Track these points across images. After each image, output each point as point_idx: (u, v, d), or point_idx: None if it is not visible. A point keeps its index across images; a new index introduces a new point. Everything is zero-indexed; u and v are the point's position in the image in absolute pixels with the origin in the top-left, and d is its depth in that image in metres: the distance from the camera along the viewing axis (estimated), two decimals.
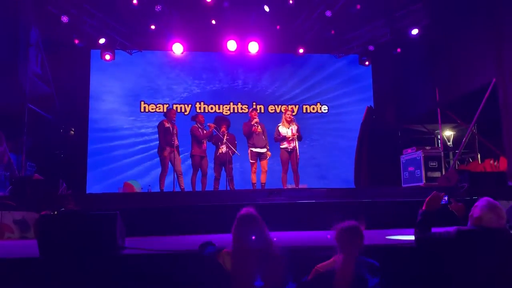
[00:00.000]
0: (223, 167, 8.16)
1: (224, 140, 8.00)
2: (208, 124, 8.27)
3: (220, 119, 8.55)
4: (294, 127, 7.85)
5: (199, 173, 8.24)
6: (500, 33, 7.78)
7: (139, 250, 3.35)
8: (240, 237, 2.61)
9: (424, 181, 8.17)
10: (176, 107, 10.94)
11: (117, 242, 3.26)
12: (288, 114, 7.92)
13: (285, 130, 7.84)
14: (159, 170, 8.29)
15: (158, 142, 8.31)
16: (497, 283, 2.58)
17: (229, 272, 2.58)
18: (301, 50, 11.23)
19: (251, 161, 8.13)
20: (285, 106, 10.64)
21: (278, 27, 10.65)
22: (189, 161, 8.44)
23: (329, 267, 2.62)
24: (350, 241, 2.62)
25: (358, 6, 9.74)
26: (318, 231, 4.56)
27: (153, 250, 3.32)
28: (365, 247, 3.33)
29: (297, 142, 7.79)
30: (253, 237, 2.61)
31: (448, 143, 12.01)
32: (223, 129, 8.18)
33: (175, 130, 8.07)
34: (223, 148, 8.06)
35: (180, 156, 8.40)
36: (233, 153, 8.26)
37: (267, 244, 2.68)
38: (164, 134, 8.06)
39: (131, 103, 11.06)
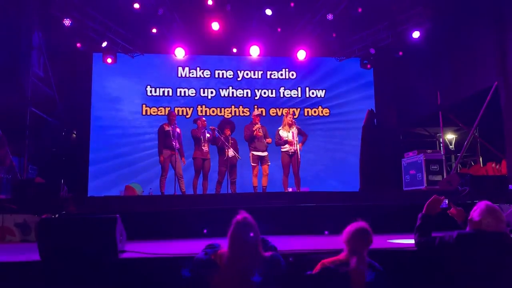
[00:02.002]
0: (227, 171, 8.14)
1: (228, 144, 7.98)
2: (210, 127, 8.27)
3: (224, 122, 8.54)
4: (295, 130, 7.84)
5: (201, 176, 8.23)
6: (502, 36, 7.78)
7: (139, 254, 3.35)
8: (236, 239, 2.63)
9: (425, 185, 8.16)
10: (178, 110, 10.96)
11: (117, 245, 3.26)
12: (289, 118, 7.91)
13: (285, 133, 7.83)
14: (160, 173, 8.28)
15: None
16: (497, 287, 2.57)
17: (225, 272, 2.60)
18: (302, 53, 11.25)
19: (252, 164, 8.10)
20: (286, 109, 10.65)
21: (279, 30, 10.67)
22: (191, 164, 8.44)
23: (336, 262, 2.62)
24: (362, 241, 2.64)
25: (360, 10, 9.75)
26: (319, 235, 4.56)
27: (153, 253, 3.33)
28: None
29: (298, 145, 7.77)
30: (251, 234, 2.65)
31: (450, 147, 12.00)
32: (228, 132, 8.15)
33: (176, 133, 8.07)
34: (230, 152, 8.02)
35: (185, 159, 8.40)
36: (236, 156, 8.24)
37: (260, 248, 2.70)
38: (164, 137, 8.07)
39: (133, 106, 11.08)
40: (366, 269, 2.56)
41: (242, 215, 2.73)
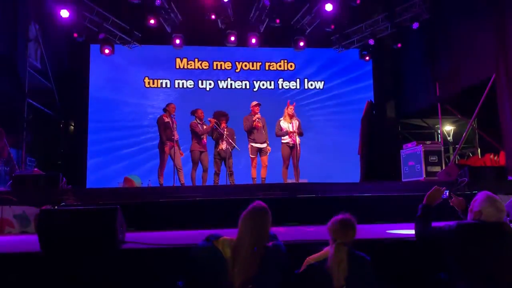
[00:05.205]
0: (223, 162, 8.15)
1: (225, 136, 7.98)
2: (208, 119, 8.24)
3: (219, 114, 8.50)
4: (295, 122, 7.82)
5: (199, 167, 8.22)
6: (501, 27, 7.75)
7: (139, 245, 3.35)
8: (250, 229, 2.62)
9: (424, 176, 8.16)
10: (175, 102, 10.91)
11: (117, 236, 3.26)
12: (291, 109, 7.88)
13: (286, 124, 7.80)
14: (158, 164, 8.26)
15: (158, 136, 8.24)
16: (497, 277, 2.58)
17: (227, 259, 2.59)
18: (301, 44, 11.22)
19: (251, 156, 8.10)
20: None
21: (278, 21, 10.62)
22: (188, 156, 8.42)
23: (320, 258, 2.61)
24: (343, 232, 2.61)
25: (358, 1, 9.71)
26: (318, 225, 4.57)
27: (153, 244, 3.33)
28: (365, 241, 3.35)
29: (297, 137, 7.75)
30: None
31: (448, 138, 12.03)
32: (223, 124, 8.15)
33: (174, 124, 8.05)
34: (224, 145, 8.03)
35: (181, 150, 8.39)
36: (233, 147, 8.24)
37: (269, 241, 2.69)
38: (164, 129, 8.04)
39: (131, 97, 11.05)
40: (344, 261, 2.53)
41: (258, 202, 2.74)
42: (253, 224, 2.62)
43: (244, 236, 2.61)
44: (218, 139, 8.19)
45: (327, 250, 2.63)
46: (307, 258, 2.66)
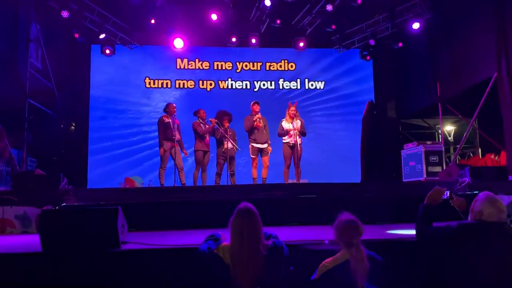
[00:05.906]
0: (226, 162, 8.14)
1: (227, 136, 7.97)
2: (209, 119, 8.24)
3: (222, 113, 8.50)
4: (297, 122, 7.83)
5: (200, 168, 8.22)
6: (502, 26, 7.74)
7: (140, 245, 3.36)
8: (238, 231, 2.63)
9: (425, 176, 8.17)
10: (176, 102, 10.92)
11: (118, 236, 3.27)
12: (292, 109, 7.89)
13: (288, 125, 7.82)
14: (159, 164, 8.27)
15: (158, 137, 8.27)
16: (498, 277, 2.58)
17: (229, 265, 2.60)
18: (301, 45, 11.22)
19: (252, 156, 8.10)
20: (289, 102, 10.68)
21: (278, 21, 10.63)
22: (189, 156, 8.42)
23: (337, 262, 2.60)
24: (355, 231, 2.62)
25: (359, 1, 9.70)
26: (319, 225, 4.58)
27: (154, 245, 3.33)
28: (366, 241, 3.35)
29: (298, 137, 7.76)
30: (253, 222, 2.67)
31: (449, 138, 12.02)
32: (226, 124, 8.13)
33: (175, 124, 8.06)
34: (228, 144, 8.02)
35: (186, 150, 8.40)
36: (236, 149, 8.23)
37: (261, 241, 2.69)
38: (164, 129, 8.05)
39: (132, 97, 11.06)
40: (365, 260, 2.55)
41: (243, 204, 2.73)
42: (240, 226, 2.63)
43: (236, 240, 2.62)
44: (222, 139, 8.17)
45: (342, 253, 2.62)
46: (323, 263, 2.64)
